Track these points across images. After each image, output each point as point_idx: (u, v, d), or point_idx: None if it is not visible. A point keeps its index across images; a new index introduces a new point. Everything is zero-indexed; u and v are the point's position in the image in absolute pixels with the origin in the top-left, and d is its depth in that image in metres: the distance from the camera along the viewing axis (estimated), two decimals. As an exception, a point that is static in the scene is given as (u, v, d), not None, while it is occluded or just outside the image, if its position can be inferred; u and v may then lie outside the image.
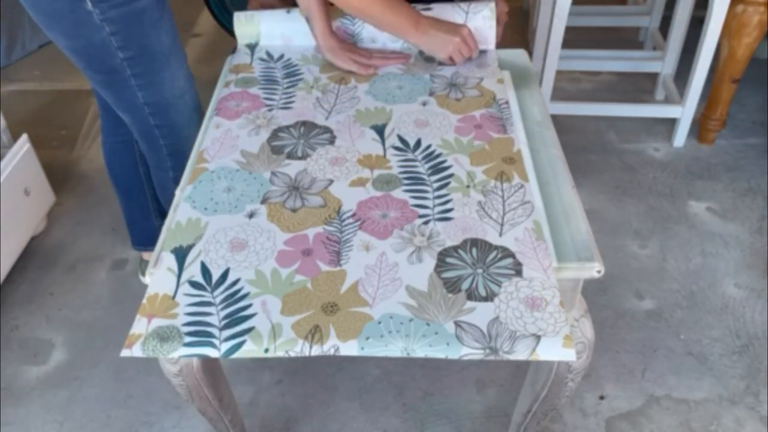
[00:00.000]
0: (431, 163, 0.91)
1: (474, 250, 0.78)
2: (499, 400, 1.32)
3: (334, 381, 1.36)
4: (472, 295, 0.72)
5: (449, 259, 0.77)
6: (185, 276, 0.76)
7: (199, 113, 1.26)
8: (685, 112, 1.92)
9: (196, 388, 0.92)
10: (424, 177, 0.89)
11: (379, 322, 0.70)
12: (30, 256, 1.69)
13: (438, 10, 1.20)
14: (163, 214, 1.52)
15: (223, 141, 0.98)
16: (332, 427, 1.29)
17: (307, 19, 1.15)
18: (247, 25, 1.20)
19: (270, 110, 1.04)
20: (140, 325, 0.71)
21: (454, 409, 1.31)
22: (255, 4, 1.29)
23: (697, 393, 1.31)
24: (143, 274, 1.60)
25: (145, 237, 1.55)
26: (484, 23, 1.16)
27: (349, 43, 1.16)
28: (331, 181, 0.89)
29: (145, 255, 1.61)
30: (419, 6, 1.20)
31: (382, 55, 1.15)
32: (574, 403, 1.30)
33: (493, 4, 1.18)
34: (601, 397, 1.32)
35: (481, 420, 1.29)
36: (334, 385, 1.36)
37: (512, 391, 1.33)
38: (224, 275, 0.76)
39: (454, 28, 1.11)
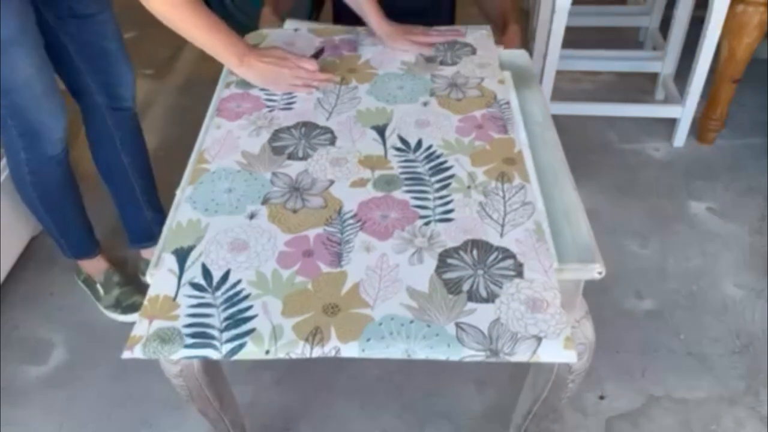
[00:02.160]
0: (432, 164, 0.91)
1: (475, 251, 0.78)
2: (499, 400, 1.32)
3: (334, 381, 1.36)
4: (472, 297, 0.72)
5: (450, 260, 0.77)
6: (186, 277, 0.76)
7: (53, 98, 1.22)
8: (685, 112, 1.92)
9: (196, 388, 0.92)
10: (425, 178, 0.89)
11: (380, 324, 0.70)
12: (30, 256, 1.69)
13: (437, 30, 1.22)
14: (154, 207, 1.53)
15: (224, 142, 0.98)
16: (332, 427, 1.29)
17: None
18: (254, 40, 1.22)
19: (271, 111, 1.04)
20: (141, 327, 0.71)
21: (454, 409, 1.31)
22: (266, 21, 1.30)
23: (697, 393, 1.32)
24: (143, 274, 1.61)
25: (139, 231, 1.56)
26: (484, 40, 1.20)
27: (404, 26, 1.20)
28: (332, 182, 0.89)
29: (144, 253, 1.61)
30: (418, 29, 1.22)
31: (438, 33, 1.21)
32: (574, 403, 1.30)
33: (489, 29, 1.24)
34: (601, 397, 1.32)
35: (481, 420, 1.29)
36: (334, 385, 1.36)
37: (512, 391, 1.33)
38: (225, 276, 0.76)
39: (282, 58, 1.07)
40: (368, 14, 1.18)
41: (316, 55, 1.15)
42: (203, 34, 1.02)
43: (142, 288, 1.52)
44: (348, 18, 1.25)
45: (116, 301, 1.52)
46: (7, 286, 1.60)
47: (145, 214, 1.53)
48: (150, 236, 1.55)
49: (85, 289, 1.57)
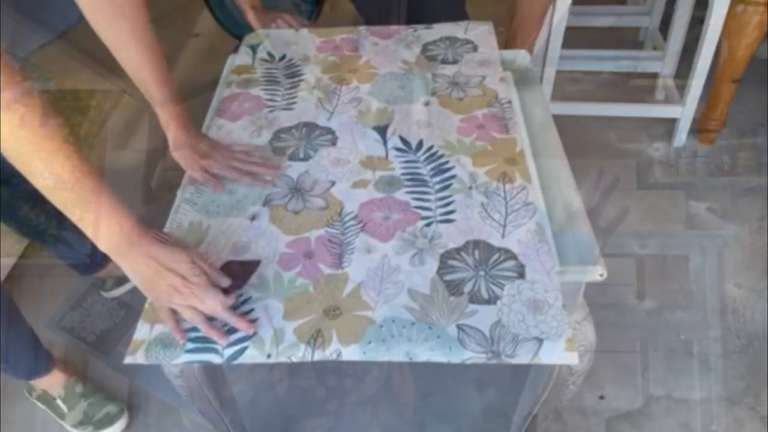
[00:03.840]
0: (433, 165, 0.91)
1: (476, 252, 0.78)
2: (499, 400, 1.32)
3: (334, 381, 1.36)
4: (474, 298, 0.72)
5: (451, 262, 0.77)
6: (187, 279, 0.76)
7: None
8: (685, 112, 1.92)
9: (196, 389, 0.92)
10: (426, 178, 0.89)
11: (381, 326, 0.70)
12: (30, 256, 1.68)
13: (439, 28, 1.21)
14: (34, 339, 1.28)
15: (225, 142, 0.97)
16: (332, 427, 1.28)
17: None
18: (255, 40, 1.23)
19: (272, 111, 1.04)
20: (143, 331, 0.71)
21: (454, 409, 1.31)
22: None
23: (697, 393, 1.32)
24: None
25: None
26: (485, 36, 1.19)
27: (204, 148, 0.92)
28: (333, 183, 0.89)
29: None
30: (420, 26, 1.21)
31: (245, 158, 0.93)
32: (574, 404, 1.30)
33: (491, 25, 1.22)
34: (601, 397, 1.32)
35: (481, 420, 1.29)
36: (335, 385, 1.36)
37: (512, 391, 1.33)
38: (226, 278, 0.76)
39: (176, 273, 0.69)
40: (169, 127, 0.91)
41: (243, 274, 0.76)
42: (73, 188, 0.64)
43: (114, 395, 1.31)
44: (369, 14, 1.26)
45: (85, 416, 1.26)
46: (7, 286, 1.60)
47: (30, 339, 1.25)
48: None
49: (42, 407, 1.30)
